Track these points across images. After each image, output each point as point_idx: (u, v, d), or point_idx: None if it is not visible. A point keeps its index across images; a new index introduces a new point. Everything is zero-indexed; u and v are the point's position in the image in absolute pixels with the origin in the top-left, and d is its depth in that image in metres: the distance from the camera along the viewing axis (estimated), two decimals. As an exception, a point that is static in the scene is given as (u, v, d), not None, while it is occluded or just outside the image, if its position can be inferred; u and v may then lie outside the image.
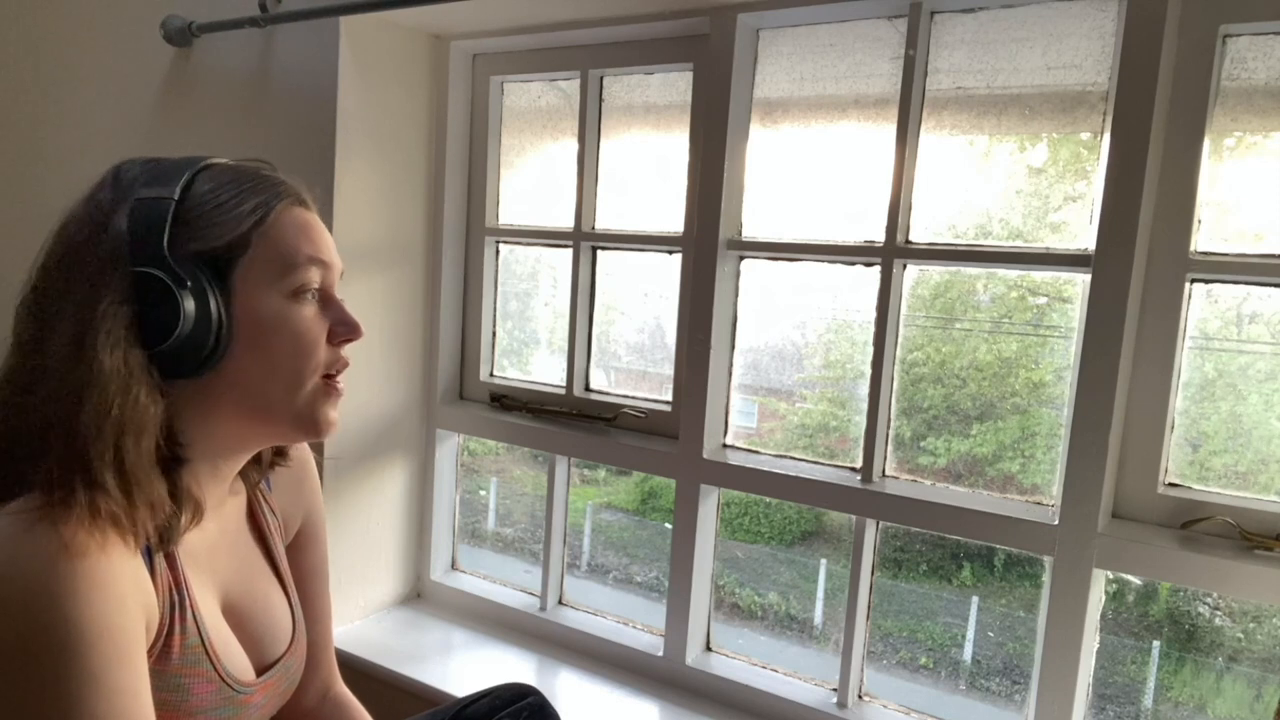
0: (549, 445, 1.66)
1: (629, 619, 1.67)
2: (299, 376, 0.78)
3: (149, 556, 0.73)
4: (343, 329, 0.81)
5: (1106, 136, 1.17)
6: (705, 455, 1.48)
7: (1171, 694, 1.81)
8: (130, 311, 0.71)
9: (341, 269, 0.84)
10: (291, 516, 1.00)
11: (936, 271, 1.37)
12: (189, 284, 0.72)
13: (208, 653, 0.77)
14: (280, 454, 0.94)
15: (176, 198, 0.73)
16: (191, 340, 0.72)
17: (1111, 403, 1.16)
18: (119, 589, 0.66)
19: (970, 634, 2.08)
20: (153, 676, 0.70)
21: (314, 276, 0.79)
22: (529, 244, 1.76)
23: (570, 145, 1.67)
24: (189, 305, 0.71)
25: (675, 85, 1.55)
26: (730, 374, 1.51)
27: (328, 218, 0.85)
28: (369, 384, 1.65)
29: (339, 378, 0.82)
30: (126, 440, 0.69)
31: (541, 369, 1.81)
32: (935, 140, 1.32)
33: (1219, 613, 1.63)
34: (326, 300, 0.81)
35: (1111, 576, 1.24)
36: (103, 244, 0.72)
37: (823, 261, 1.43)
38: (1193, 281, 1.17)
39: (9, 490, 0.68)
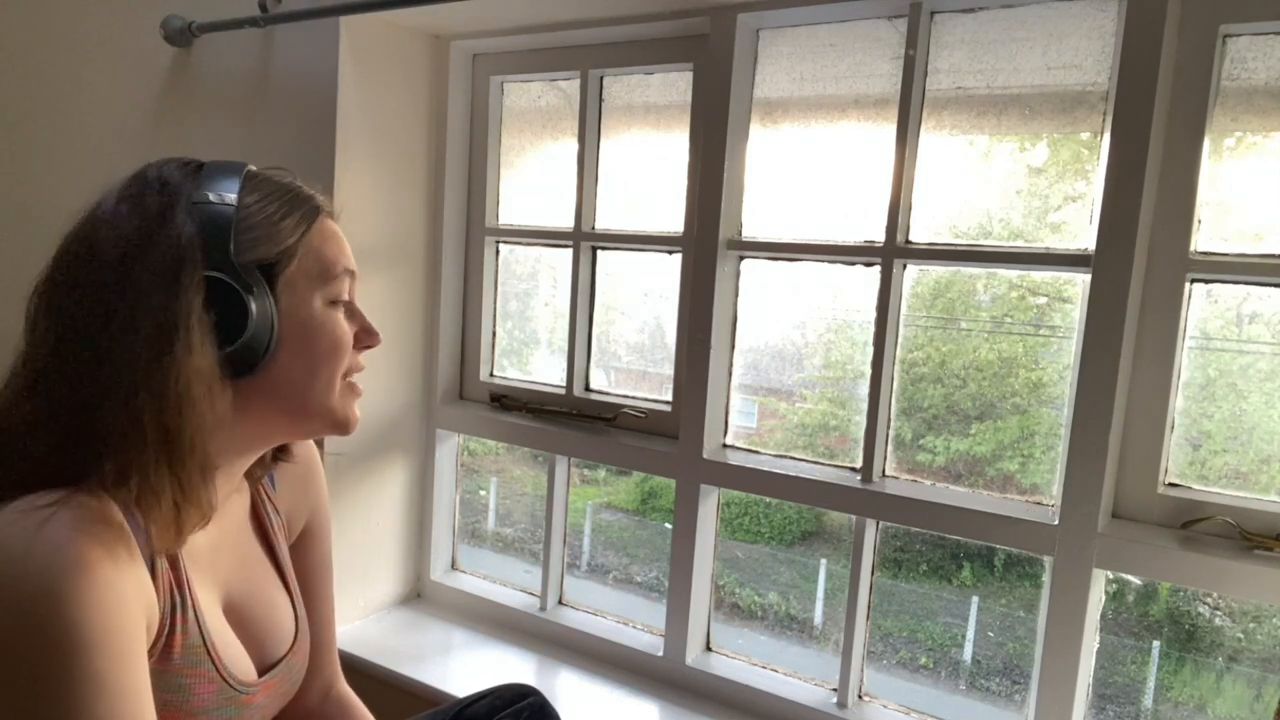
0: (549, 445, 1.66)
1: (629, 619, 1.67)
2: (333, 377, 0.83)
3: (150, 557, 0.73)
4: (366, 336, 0.87)
5: (1106, 136, 1.17)
6: (705, 455, 1.48)
7: (1171, 694, 1.81)
8: (208, 315, 0.73)
9: (358, 276, 0.88)
10: (295, 515, 1.00)
11: (936, 271, 1.37)
12: (254, 289, 0.75)
13: (209, 653, 0.77)
14: (283, 451, 0.94)
15: (237, 204, 0.76)
16: (251, 344, 0.75)
17: (1111, 403, 1.16)
18: (122, 590, 0.66)
19: (970, 634, 2.08)
20: (154, 677, 0.70)
21: (346, 287, 0.84)
22: (529, 244, 1.76)
23: (570, 145, 1.67)
24: (254, 310, 0.74)
25: (675, 85, 1.55)
26: (730, 374, 1.51)
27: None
28: (369, 384, 1.64)
29: (357, 378, 0.88)
30: (209, 441, 0.72)
31: (541, 369, 1.81)
32: (935, 140, 1.32)
33: (1219, 613, 1.63)
34: (351, 308, 0.86)
35: (1111, 576, 1.24)
36: (168, 246, 0.72)
37: (823, 261, 1.43)
38: (1193, 281, 1.17)
39: (24, 483, 0.68)
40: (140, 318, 0.70)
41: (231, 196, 0.76)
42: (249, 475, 0.90)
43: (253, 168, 0.82)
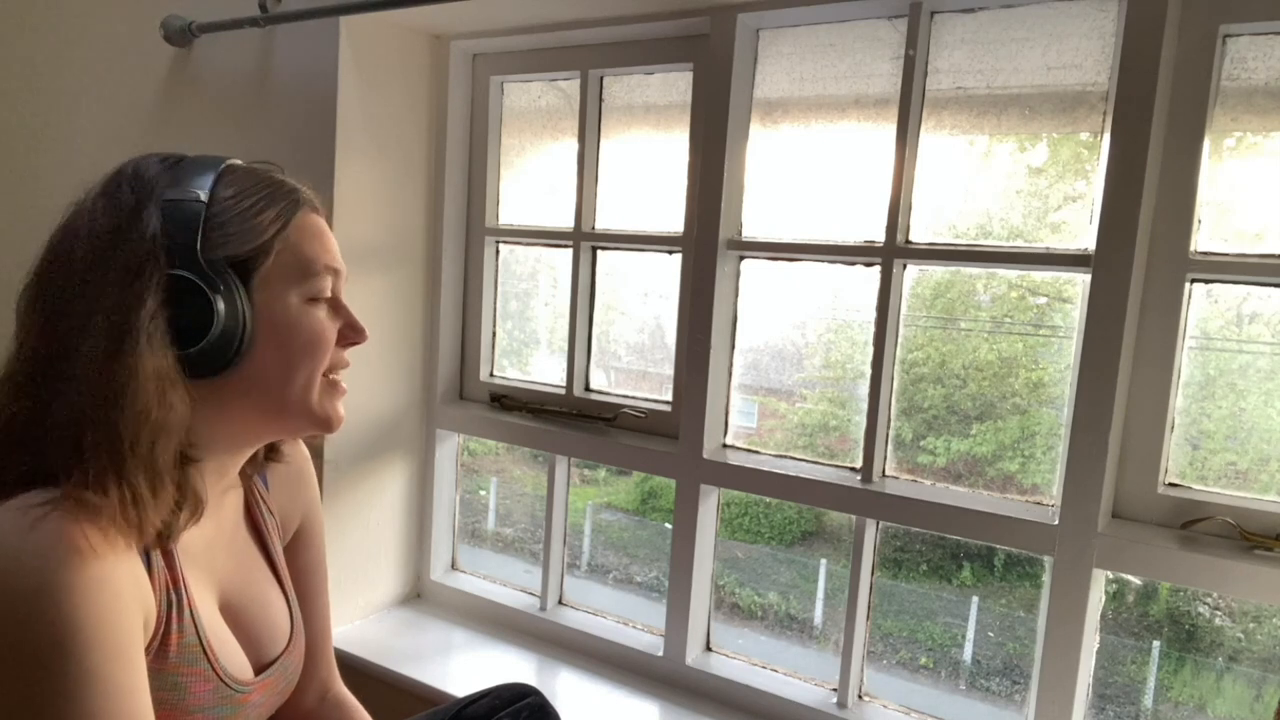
0: (549, 445, 1.66)
1: (629, 619, 1.67)
2: (312, 376, 0.81)
3: (146, 554, 0.73)
4: (351, 333, 0.84)
5: (1106, 136, 1.17)
6: (705, 455, 1.48)
7: (1171, 694, 1.80)
8: (166, 314, 0.72)
9: (346, 273, 0.86)
10: (289, 516, 1.00)
11: (937, 271, 1.37)
12: (221, 288, 0.73)
13: (205, 651, 0.77)
14: (274, 451, 0.94)
15: (206, 201, 0.75)
16: (219, 343, 0.74)
17: (1111, 403, 1.16)
18: (118, 587, 0.66)
19: (970, 634, 2.08)
20: (150, 675, 0.70)
21: (328, 284, 0.82)
22: (529, 244, 1.76)
23: (570, 145, 1.67)
24: (221, 309, 0.73)
25: (675, 85, 1.55)
26: (730, 374, 1.51)
27: (328, 218, 0.86)
28: (369, 384, 1.65)
29: (340, 375, 0.85)
30: (160, 442, 0.70)
31: (541, 369, 1.81)
32: (935, 140, 1.32)
33: (1219, 613, 1.63)
34: (335, 305, 0.84)
35: (1111, 576, 1.24)
36: (134, 244, 0.72)
37: (823, 261, 1.43)
38: (1193, 281, 1.17)
39: (15, 485, 0.68)
40: (97, 317, 0.70)
41: (203, 192, 0.75)
42: (240, 474, 0.90)
43: (235, 161, 0.81)
